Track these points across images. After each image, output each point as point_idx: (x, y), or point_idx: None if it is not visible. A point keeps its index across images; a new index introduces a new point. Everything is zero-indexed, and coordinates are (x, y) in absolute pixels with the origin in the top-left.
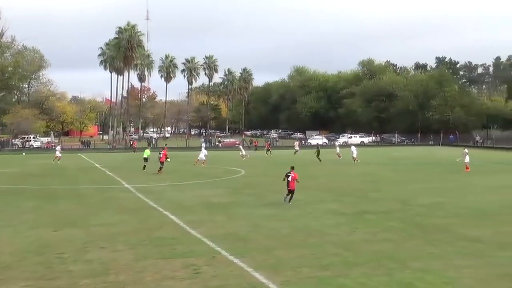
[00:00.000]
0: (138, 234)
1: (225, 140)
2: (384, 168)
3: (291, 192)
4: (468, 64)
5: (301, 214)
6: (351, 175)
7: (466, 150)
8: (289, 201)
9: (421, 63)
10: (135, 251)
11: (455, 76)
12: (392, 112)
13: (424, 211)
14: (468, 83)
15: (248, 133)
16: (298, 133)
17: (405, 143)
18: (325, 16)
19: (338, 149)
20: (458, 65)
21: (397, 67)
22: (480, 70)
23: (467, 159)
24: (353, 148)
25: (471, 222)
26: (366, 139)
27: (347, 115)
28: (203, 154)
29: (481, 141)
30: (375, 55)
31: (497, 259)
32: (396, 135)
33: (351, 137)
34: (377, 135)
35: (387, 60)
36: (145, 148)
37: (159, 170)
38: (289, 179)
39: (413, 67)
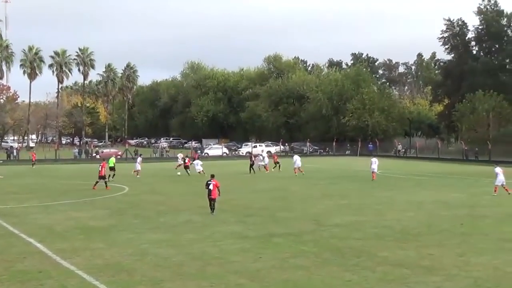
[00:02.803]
0: None
1: (104, 151)
2: (295, 182)
3: (213, 200)
4: (387, 62)
5: (197, 239)
6: (256, 191)
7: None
8: (213, 211)
9: (335, 60)
10: None
11: (374, 76)
12: (303, 117)
13: (340, 232)
14: (388, 83)
15: (132, 141)
16: (193, 142)
17: (318, 153)
18: (224, 5)
19: (199, 167)
20: (376, 63)
21: (308, 64)
22: (401, 69)
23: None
24: (264, 154)
25: (392, 243)
26: (273, 149)
27: (250, 120)
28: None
29: (403, 150)
30: (283, 50)
31: (423, 285)
32: (307, 144)
33: (256, 146)
34: (286, 144)
35: (295, 56)
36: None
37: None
38: (211, 187)
39: (326, 65)
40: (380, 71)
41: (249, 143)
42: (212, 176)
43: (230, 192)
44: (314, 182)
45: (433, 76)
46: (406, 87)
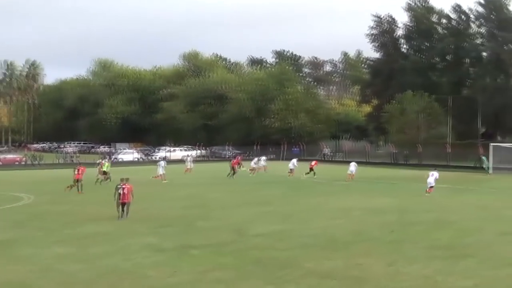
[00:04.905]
0: None
1: (5, 156)
2: (214, 189)
3: (124, 204)
4: (313, 60)
5: (107, 252)
6: (172, 198)
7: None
8: (127, 214)
9: (256, 58)
10: None
11: (299, 74)
12: (224, 119)
13: (263, 242)
14: (314, 83)
15: (36, 146)
16: (104, 146)
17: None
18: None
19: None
20: (301, 61)
21: (230, 62)
22: (327, 68)
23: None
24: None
25: (319, 253)
26: (192, 153)
27: (166, 122)
28: (161, 168)
29: (330, 153)
30: (202, 47)
31: None
32: (228, 147)
33: (173, 150)
34: (206, 148)
35: (214, 53)
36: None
37: (77, 189)
38: (124, 191)
39: (248, 63)
40: (306, 70)
41: (165, 147)
42: (122, 180)
43: (142, 200)
44: (235, 189)
45: (361, 75)
46: (334, 87)
